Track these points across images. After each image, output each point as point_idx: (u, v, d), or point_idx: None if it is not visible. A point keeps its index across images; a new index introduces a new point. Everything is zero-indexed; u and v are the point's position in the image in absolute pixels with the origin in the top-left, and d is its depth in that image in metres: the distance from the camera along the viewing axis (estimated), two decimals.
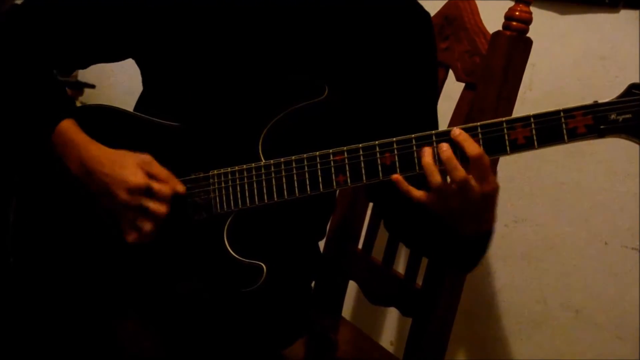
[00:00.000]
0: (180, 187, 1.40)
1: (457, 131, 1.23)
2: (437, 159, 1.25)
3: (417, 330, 1.64)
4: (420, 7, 1.53)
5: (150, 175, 1.39)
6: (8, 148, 1.54)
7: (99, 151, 1.42)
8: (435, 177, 1.24)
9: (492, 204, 1.30)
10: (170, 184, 1.39)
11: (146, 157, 1.41)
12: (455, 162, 1.23)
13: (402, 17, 1.50)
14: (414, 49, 1.50)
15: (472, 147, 1.22)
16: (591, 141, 1.20)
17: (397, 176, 1.27)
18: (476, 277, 2.07)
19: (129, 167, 1.39)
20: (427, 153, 1.25)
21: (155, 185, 1.38)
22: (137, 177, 1.37)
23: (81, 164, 1.42)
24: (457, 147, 1.24)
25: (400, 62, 1.48)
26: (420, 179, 1.27)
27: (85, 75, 2.53)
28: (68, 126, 1.44)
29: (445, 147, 1.24)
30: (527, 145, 1.20)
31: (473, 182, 1.23)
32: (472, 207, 1.26)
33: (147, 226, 1.38)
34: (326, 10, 1.48)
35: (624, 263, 1.86)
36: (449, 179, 1.25)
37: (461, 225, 1.32)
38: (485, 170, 1.24)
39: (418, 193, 1.27)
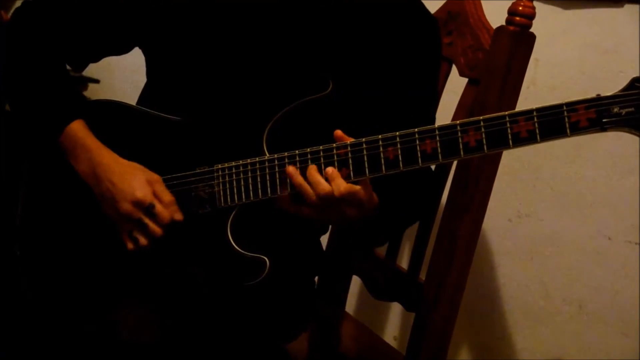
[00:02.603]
0: (179, 216, 1.42)
1: (329, 170, 1.31)
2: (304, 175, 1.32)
3: (421, 325, 1.64)
4: (428, 12, 1.55)
5: (155, 195, 1.41)
6: (19, 142, 1.55)
7: (111, 159, 1.44)
8: (308, 193, 1.32)
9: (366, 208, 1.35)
10: (171, 209, 1.41)
11: (155, 177, 1.43)
12: (317, 178, 1.31)
13: (411, 19, 1.51)
14: (420, 50, 1.51)
15: (339, 184, 1.30)
16: (595, 136, 1.20)
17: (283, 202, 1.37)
18: (480, 271, 2.07)
19: (137, 182, 1.41)
20: (294, 173, 1.34)
21: (158, 207, 1.41)
22: (143, 193, 1.40)
23: (90, 168, 1.44)
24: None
25: (405, 60, 1.49)
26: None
27: (89, 70, 2.53)
28: (78, 127, 1.46)
29: (313, 170, 1.32)
30: (529, 139, 1.20)
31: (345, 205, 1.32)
32: (345, 215, 1.34)
33: (143, 241, 1.41)
34: (333, 5, 1.48)
35: (628, 258, 1.86)
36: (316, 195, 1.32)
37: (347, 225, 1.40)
38: (357, 198, 1.31)
39: (304, 210, 1.36)
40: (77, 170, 1.46)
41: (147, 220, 1.40)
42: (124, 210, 1.40)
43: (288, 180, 1.35)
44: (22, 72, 1.51)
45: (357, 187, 1.31)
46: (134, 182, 1.41)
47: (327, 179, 1.31)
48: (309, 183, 1.32)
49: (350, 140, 1.32)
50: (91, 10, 1.52)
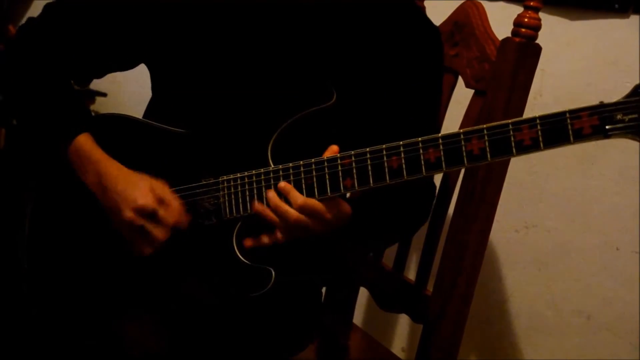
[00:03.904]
0: (185, 224, 1.42)
1: (282, 184, 1.36)
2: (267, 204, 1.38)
3: (428, 336, 1.64)
4: (432, 23, 1.55)
5: (161, 201, 1.41)
6: (27, 156, 1.56)
7: (119, 171, 1.45)
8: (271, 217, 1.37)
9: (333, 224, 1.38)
10: (176, 214, 1.41)
11: (160, 184, 1.43)
12: (284, 208, 1.36)
13: (413, 29, 1.52)
14: (422, 60, 1.52)
15: (295, 197, 1.35)
16: (602, 146, 1.20)
17: (248, 244, 1.41)
18: (487, 282, 2.07)
19: (141, 189, 1.42)
20: (258, 205, 1.38)
21: (161, 212, 1.40)
22: (145, 199, 1.40)
23: (97, 179, 1.45)
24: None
25: (408, 70, 1.50)
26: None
27: (96, 83, 2.55)
28: (84, 141, 1.47)
29: (271, 194, 1.37)
30: (533, 146, 1.20)
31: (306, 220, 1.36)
32: (309, 230, 1.37)
33: (147, 249, 1.42)
34: (336, 18, 1.49)
35: (636, 268, 1.86)
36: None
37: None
38: (316, 212, 1.35)
39: (267, 239, 1.40)
40: (84, 181, 1.47)
41: (150, 228, 1.40)
42: (127, 218, 1.40)
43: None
44: (29, 87, 1.52)
45: (314, 201, 1.34)
46: (137, 190, 1.41)
47: (281, 194, 1.36)
48: (270, 207, 1.37)
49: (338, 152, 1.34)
50: (95, 27, 1.53)
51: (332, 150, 1.35)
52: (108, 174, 1.44)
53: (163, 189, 1.43)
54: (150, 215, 1.40)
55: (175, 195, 1.44)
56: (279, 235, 1.38)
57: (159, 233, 1.41)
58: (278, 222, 1.36)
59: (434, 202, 1.64)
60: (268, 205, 1.37)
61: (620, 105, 1.15)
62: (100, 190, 1.45)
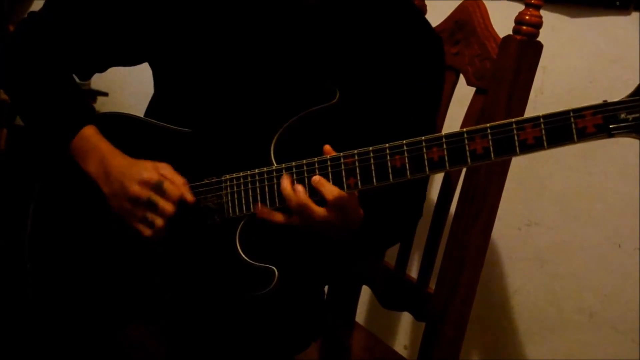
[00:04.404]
0: (189, 196, 1.42)
1: (316, 178, 1.33)
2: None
3: (431, 334, 1.64)
4: (434, 31, 1.56)
5: (164, 176, 1.41)
6: (30, 155, 1.56)
7: (123, 159, 1.46)
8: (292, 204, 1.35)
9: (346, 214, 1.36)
10: (181, 188, 1.41)
11: (163, 163, 1.44)
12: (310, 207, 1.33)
13: (414, 33, 1.52)
14: (424, 67, 1.52)
15: (331, 190, 1.32)
16: (604, 144, 1.20)
17: (260, 209, 1.38)
18: (489, 280, 2.07)
19: (145, 166, 1.43)
20: (287, 183, 1.35)
21: (167, 184, 1.40)
22: (149, 173, 1.41)
23: (102, 168, 1.45)
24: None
25: (410, 74, 1.50)
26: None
27: (98, 83, 2.55)
28: (91, 132, 1.48)
29: (316, 179, 1.34)
30: (536, 145, 1.19)
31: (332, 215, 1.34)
32: (330, 223, 1.35)
33: (158, 221, 1.40)
34: (339, 18, 1.49)
35: (638, 265, 1.86)
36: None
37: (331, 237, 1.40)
38: (345, 206, 1.33)
39: (279, 217, 1.38)
40: (87, 171, 1.47)
41: (156, 198, 1.40)
42: (133, 192, 1.40)
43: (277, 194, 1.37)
44: (32, 80, 1.52)
45: (343, 193, 1.32)
46: (141, 166, 1.42)
47: (313, 188, 1.34)
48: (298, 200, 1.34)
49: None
50: (98, 20, 1.54)
51: (326, 151, 1.35)
52: (114, 164, 1.45)
53: (166, 167, 1.43)
54: (155, 186, 1.40)
55: (177, 173, 1.43)
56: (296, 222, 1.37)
57: (165, 205, 1.40)
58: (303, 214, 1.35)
59: (424, 200, 1.64)
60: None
61: (624, 104, 1.15)
62: (104, 176, 1.45)
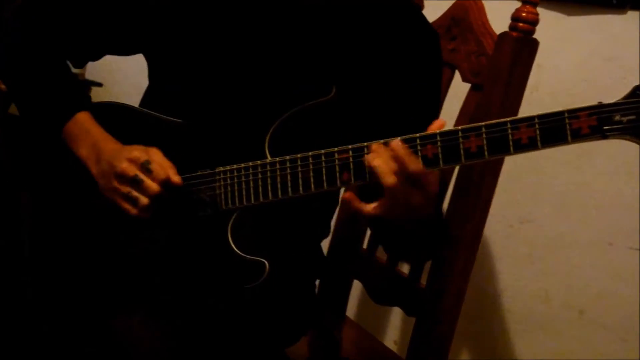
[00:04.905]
0: (176, 178, 1.41)
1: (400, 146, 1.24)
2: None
3: (421, 329, 1.64)
4: (432, 27, 1.56)
5: (153, 158, 1.41)
6: (24, 138, 1.56)
7: (116, 145, 1.46)
8: (388, 179, 1.24)
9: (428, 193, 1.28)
10: (167, 170, 1.41)
11: (154, 148, 1.44)
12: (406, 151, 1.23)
13: (415, 32, 1.52)
14: (422, 63, 1.52)
15: (415, 161, 1.24)
16: (597, 143, 1.20)
17: (348, 195, 1.30)
18: (481, 276, 2.08)
19: (136, 147, 1.43)
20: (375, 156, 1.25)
21: (154, 165, 1.40)
22: (139, 152, 1.41)
23: (93, 151, 1.46)
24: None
25: (407, 70, 1.50)
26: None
27: (92, 73, 2.55)
28: (85, 118, 1.49)
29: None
30: (530, 145, 1.19)
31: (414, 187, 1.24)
32: (415, 209, 1.27)
33: (143, 199, 1.40)
34: (338, 11, 1.49)
35: (629, 264, 1.86)
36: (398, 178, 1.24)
37: (406, 223, 1.34)
38: (426, 180, 1.25)
39: (369, 207, 1.29)
40: (78, 155, 1.48)
41: (142, 176, 1.40)
42: (120, 169, 1.40)
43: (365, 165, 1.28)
44: (26, 65, 1.53)
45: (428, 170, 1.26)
46: (132, 147, 1.43)
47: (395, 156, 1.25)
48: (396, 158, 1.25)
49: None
50: (92, 8, 1.54)
51: (439, 124, 1.27)
52: (104, 145, 1.46)
53: (156, 151, 1.43)
54: (143, 165, 1.40)
55: (165, 158, 1.43)
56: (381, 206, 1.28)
57: (151, 183, 1.40)
58: (394, 174, 1.25)
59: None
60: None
61: (618, 106, 1.15)
62: (95, 158, 1.46)
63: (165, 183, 1.40)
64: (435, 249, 1.58)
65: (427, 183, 1.26)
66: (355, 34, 1.49)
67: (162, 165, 1.41)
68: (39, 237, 1.54)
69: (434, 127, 1.26)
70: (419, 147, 1.26)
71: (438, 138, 1.25)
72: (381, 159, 1.25)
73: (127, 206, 1.42)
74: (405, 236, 1.44)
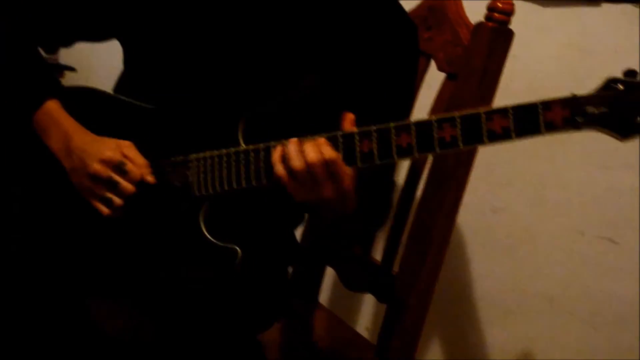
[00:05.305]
0: (150, 178, 1.42)
1: (321, 139, 1.28)
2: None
3: (392, 316, 1.65)
4: (410, 19, 1.56)
5: (127, 156, 1.40)
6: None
7: (86, 135, 1.44)
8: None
9: (346, 197, 1.33)
10: (142, 170, 1.40)
11: (127, 142, 1.43)
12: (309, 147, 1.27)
13: (393, 23, 1.52)
14: (399, 54, 1.52)
15: (328, 150, 1.28)
16: (569, 133, 1.21)
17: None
18: (453, 264, 2.09)
19: (107, 144, 1.42)
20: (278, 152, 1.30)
21: (129, 165, 1.40)
22: (112, 152, 1.40)
23: (64, 144, 1.44)
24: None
25: (384, 61, 1.50)
26: None
27: (66, 58, 2.52)
28: (54, 107, 1.46)
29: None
30: (504, 136, 1.20)
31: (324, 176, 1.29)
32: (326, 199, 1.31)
33: (117, 201, 1.40)
34: (316, 0, 1.48)
35: (599, 253, 1.88)
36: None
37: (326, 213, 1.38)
38: (338, 173, 1.28)
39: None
40: (49, 147, 1.46)
41: (117, 178, 1.39)
42: (93, 170, 1.39)
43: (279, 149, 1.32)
44: None
45: (342, 162, 1.29)
46: (104, 145, 1.42)
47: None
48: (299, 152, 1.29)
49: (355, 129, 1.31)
50: None
51: (349, 118, 1.32)
52: (76, 139, 1.44)
53: (130, 146, 1.42)
54: (117, 166, 1.39)
55: (140, 154, 1.43)
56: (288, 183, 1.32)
57: (125, 185, 1.40)
58: (298, 165, 1.29)
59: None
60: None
61: (591, 98, 1.16)
62: (66, 153, 1.44)
63: (140, 184, 1.40)
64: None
65: (341, 178, 1.29)
66: (333, 23, 1.49)
67: (137, 165, 1.41)
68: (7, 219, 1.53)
69: (347, 122, 1.31)
70: (393, 137, 1.27)
71: (413, 127, 1.26)
72: (294, 146, 1.29)
73: (100, 207, 1.42)
74: (330, 227, 1.49)
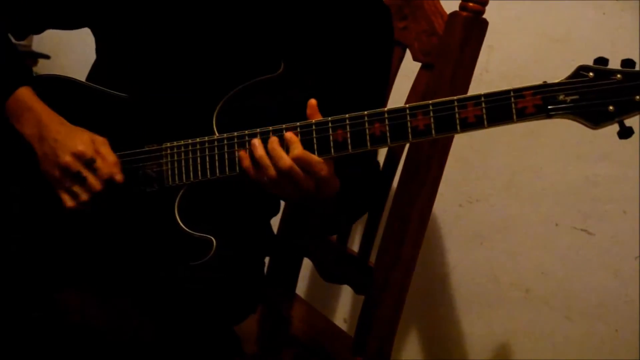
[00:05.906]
0: (119, 177, 1.41)
1: (289, 134, 1.30)
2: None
3: (369, 307, 1.65)
4: (383, 2, 1.55)
5: (98, 152, 1.39)
6: None
7: (60, 125, 1.43)
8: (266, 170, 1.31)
9: (324, 186, 1.34)
10: (112, 168, 1.39)
11: (101, 138, 1.42)
12: (279, 153, 1.29)
13: (365, 7, 1.51)
14: (372, 35, 1.52)
15: (295, 147, 1.29)
16: (544, 123, 1.21)
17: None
18: (429, 255, 2.09)
19: (81, 138, 1.40)
20: (258, 146, 1.31)
21: (99, 162, 1.39)
22: (85, 147, 1.39)
23: (37, 130, 1.43)
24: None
25: (357, 46, 1.50)
26: None
27: (39, 45, 2.51)
28: (26, 93, 1.45)
29: (273, 139, 1.31)
30: (477, 124, 1.21)
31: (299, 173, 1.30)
32: (304, 191, 1.31)
33: (83, 196, 1.39)
34: None
35: (574, 244, 1.89)
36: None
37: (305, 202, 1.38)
38: (311, 167, 1.29)
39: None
40: (22, 133, 1.44)
41: (86, 173, 1.38)
42: (64, 162, 1.38)
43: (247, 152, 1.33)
44: None
45: (314, 156, 1.30)
46: (78, 138, 1.40)
47: (284, 145, 1.31)
48: (270, 157, 1.31)
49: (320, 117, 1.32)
50: None
51: (311, 105, 1.32)
52: (49, 126, 1.42)
53: (103, 143, 1.41)
54: (87, 162, 1.38)
55: (112, 151, 1.42)
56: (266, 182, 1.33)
57: (94, 181, 1.39)
58: (270, 167, 1.31)
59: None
60: (260, 155, 1.32)
61: (562, 85, 1.16)
62: (39, 139, 1.43)
63: (108, 182, 1.39)
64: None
65: (316, 171, 1.29)
66: (305, 9, 1.48)
67: (107, 163, 1.40)
68: None
69: (311, 109, 1.31)
70: (366, 125, 1.27)
71: (386, 116, 1.26)
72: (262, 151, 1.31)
73: (65, 198, 1.41)
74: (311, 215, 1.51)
